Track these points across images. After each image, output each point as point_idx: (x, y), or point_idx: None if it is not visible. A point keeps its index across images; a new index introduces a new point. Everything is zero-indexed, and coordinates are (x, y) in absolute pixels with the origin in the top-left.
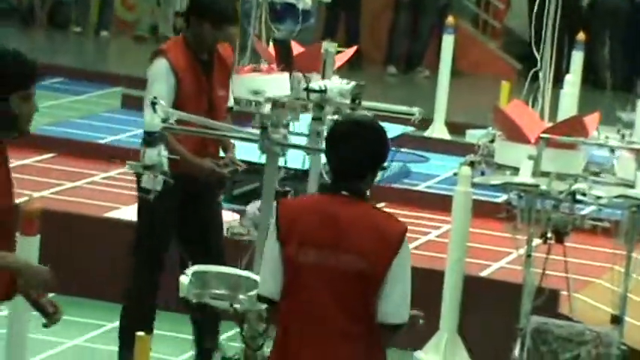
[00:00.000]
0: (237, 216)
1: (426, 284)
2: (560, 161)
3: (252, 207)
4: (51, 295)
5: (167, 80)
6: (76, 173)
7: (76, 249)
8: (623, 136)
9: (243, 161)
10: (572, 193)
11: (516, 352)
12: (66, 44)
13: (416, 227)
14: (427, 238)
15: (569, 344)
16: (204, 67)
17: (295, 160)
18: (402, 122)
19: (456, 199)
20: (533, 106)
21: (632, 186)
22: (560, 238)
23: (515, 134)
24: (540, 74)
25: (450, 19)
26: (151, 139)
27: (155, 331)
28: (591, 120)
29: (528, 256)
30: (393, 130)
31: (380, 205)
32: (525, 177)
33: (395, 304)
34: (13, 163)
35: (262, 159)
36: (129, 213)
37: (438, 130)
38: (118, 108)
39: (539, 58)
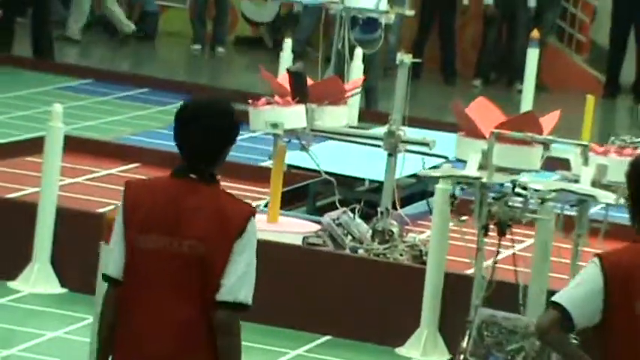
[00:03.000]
0: (315, 226)
1: (508, 295)
2: (513, 157)
3: (327, 218)
4: None
5: None
6: None
7: None
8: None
9: (329, 173)
10: (513, 186)
11: (464, 343)
12: (152, 54)
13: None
14: (510, 252)
15: (515, 336)
16: None
17: (378, 173)
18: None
19: (437, 196)
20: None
21: (578, 181)
22: (501, 230)
23: (471, 130)
24: None
25: (535, 33)
26: None
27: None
28: (549, 118)
29: (478, 249)
30: None
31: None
32: (470, 170)
33: (231, 282)
34: (99, 172)
35: (348, 171)
36: None
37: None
38: None
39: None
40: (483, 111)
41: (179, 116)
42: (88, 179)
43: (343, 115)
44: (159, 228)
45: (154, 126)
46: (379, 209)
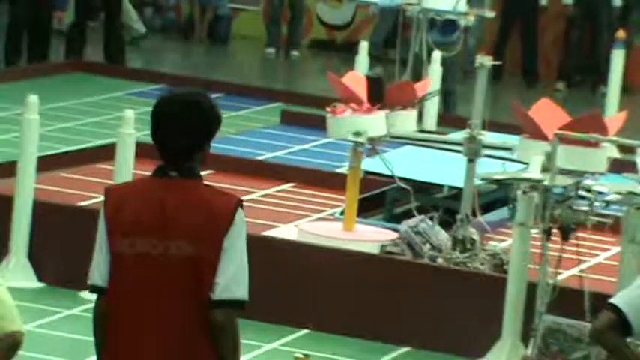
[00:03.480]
0: (393, 234)
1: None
2: (577, 159)
3: (405, 226)
4: None
5: None
6: (233, 191)
7: None
8: None
9: (407, 180)
10: (576, 189)
11: (529, 351)
12: (225, 58)
13: (584, 249)
14: (596, 260)
15: (580, 344)
16: None
17: (457, 179)
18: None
19: (519, 203)
20: None
21: None
22: (565, 234)
23: (534, 132)
24: None
25: (620, 33)
26: None
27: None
28: (615, 119)
29: (542, 255)
30: None
31: None
32: (533, 173)
33: (225, 279)
34: None
35: (426, 177)
36: (286, 231)
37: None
38: (277, 124)
39: None
40: (547, 112)
41: (155, 112)
42: None
43: (413, 119)
44: (144, 231)
45: (227, 132)
46: (459, 216)
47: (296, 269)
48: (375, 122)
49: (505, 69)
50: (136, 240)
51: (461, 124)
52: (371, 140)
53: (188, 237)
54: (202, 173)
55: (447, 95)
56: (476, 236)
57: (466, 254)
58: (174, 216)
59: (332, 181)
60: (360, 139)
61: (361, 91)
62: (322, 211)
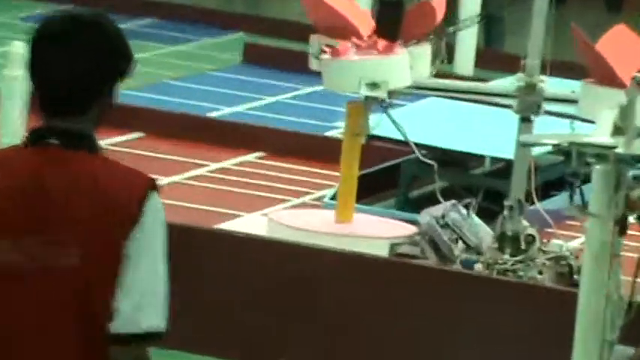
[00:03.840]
0: (408, 229)
1: None
2: None
3: (427, 216)
4: None
5: None
6: (173, 163)
7: None
8: None
9: (432, 148)
10: None
11: None
12: None
13: None
14: None
15: None
16: None
17: (504, 147)
18: None
19: (595, 182)
20: None
21: None
22: None
23: (605, 75)
24: None
25: None
26: None
27: None
28: None
29: (613, 256)
30: None
31: None
32: (600, 136)
33: (130, 304)
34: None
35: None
36: (252, 223)
37: None
38: (237, 64)
39: None
40: (623, 45)
41: (35, 41)
42: None
43: (427, 60)
44: (13, 228)
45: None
46: (507, 202)
47: (267, 279)
48: (398, 67)
49: None
50: (1, 240)
51: (510, 65)
52: (390, 94)
53: (77, 237)
54: (127, 137)
55: (490, 24)
56: (533, 232)
57: (518, 258)
58: (58, 205)
59: (318, 150)
60: (379, 94)
61: (357, 18)
62: (305, 194)
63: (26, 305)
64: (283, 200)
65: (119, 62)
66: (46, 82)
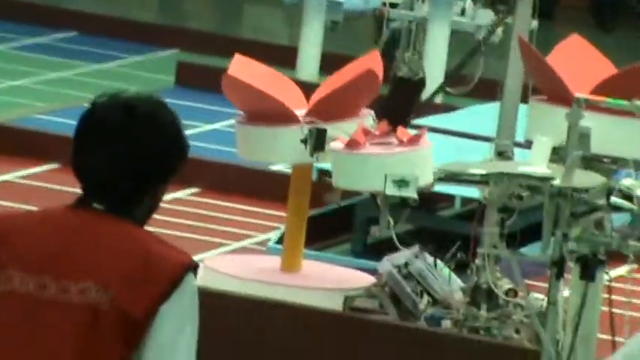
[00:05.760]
0: (365, 279)
1: None
2: (614, 138)
3: (387, 264)
4: None
5: None
6: None
7: None
8: None
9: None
10: (607, 193)
11: None
12: None
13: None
14: None
15: None
16: None
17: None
18: None
19: None
20: None
21: None
22: (588, 271)
23: (556, 91)
24: None
25: None
26: None
27: None
28: None
29: (550, 304)
30: None
31: None
32: (536, 163)
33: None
34: None
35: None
36: None
37: None
38: (170, 85)
39: None
40: (578, 58)
41: (83, 128)
42: None
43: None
44: (30, 262)
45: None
46: (480, 250)
47: (205, 335)
48: (426, 161)
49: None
50: (16, 273)
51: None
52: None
53: (103, 278)
54: (40, 169)
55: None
56: (511, 285)
57: (492, 314)
58: (90, 248)
59: (262, 187)
60: (409, 193)
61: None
62: (246, 237)
63: (31, 336)
64: (221, 244)
65: (171, 162)
66: (92, 175)
